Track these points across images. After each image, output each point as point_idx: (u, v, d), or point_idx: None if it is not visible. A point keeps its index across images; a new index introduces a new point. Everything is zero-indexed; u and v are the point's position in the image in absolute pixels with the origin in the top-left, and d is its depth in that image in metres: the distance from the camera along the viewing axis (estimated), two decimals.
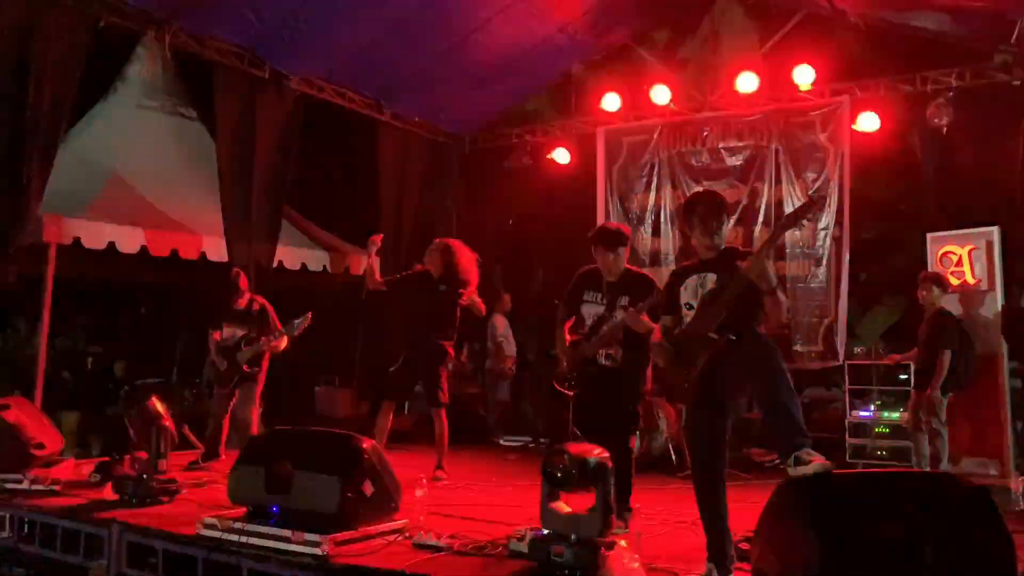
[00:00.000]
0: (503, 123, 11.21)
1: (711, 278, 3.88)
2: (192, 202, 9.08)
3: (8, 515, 4.97)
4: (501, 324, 10.28)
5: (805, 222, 4.12)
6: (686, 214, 4.11)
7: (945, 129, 8.19)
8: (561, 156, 10.48)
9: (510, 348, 10.31)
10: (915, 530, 2.91)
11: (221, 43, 8.40)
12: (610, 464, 3.84)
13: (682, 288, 3.99)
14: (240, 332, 6.94)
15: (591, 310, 5.12)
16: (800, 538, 3.00)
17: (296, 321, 6.74)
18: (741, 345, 3.71)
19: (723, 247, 4.01)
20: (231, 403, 6.95)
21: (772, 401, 3.58)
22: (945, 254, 7.63)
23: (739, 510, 3.91)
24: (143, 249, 8.20)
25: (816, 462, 3.35)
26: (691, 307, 3.92)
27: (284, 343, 6.91)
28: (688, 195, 9.54)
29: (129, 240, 8.10)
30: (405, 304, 6.98)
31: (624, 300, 4.97)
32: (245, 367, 6.88)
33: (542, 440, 9.05)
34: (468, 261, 6.75)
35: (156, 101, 9.73)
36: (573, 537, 3.76)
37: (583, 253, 5.32)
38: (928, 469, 6.62)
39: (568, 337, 5.19)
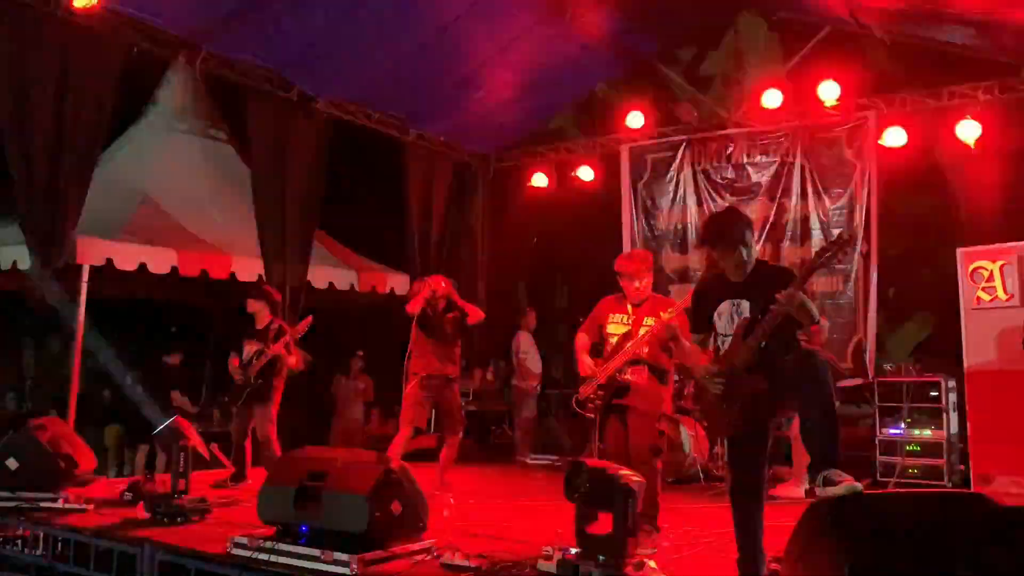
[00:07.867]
0: (528, 142, 11.27)
1: (746, 306, 3.80)
2: (222, 223, 9.21)
3: (42, 533, 5.04)
4: (526, 341, 10.26)
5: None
6: (705, 237, 4.06)
7: (973, 143, 8.11)
8: (585, 174, 10.51)
9: (535, 365, 10.29)
10: (947, 551, 2.87)
11: (250, 67, 8.56)
12: (634, 484, 3.83)
13: (716, 314, 3.91)
14: (255, 348, 7.04)
15: (616, 330, 5.14)
16: (830, 559, 2.97)
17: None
18: (784, 370, 3.65)
19: (752, 265, 3.87)
20: (250, 422, 7.01)
21: (807, 420, 3.56)
22: (976, 269, 7.53)
23: (768, 530, 3.89)
24: (174, 269, 8.32)
25: (845, 483, 3.33)
26: (727, 336, 3.85)
27: (294, 360, 7.00)
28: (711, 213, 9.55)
29: (160, 261, 8.23)
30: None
31: (651, 320, 5.02)
32: (253, 379, 6.95)
33: (568, 458, 9.00)
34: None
35: (186, 124, 9.89)
36: (601, 558, 3.76)
37: (608, 270, 5.33)
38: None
39: (590, 360, 5.20)
